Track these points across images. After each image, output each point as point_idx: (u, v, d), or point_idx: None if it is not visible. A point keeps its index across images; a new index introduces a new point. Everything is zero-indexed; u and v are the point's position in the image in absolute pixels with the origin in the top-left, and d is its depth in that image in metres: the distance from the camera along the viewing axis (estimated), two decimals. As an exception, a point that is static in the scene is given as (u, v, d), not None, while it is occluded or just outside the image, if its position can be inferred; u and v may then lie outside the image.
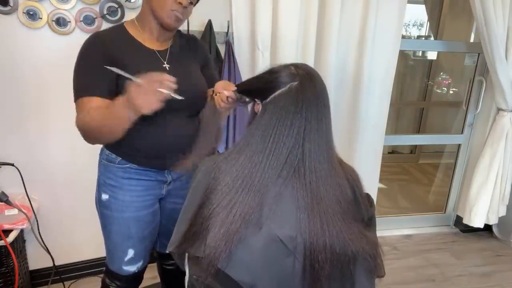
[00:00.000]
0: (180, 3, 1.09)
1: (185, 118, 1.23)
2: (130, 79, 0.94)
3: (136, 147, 1.18)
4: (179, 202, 1.23)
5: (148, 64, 1.15)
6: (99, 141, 1.15)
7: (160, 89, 0.92)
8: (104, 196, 1.25)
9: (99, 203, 1.28)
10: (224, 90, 1.04)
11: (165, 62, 1.19)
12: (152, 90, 0.92)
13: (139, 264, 1.34)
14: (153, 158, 1.22)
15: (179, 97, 0.97)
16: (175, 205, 1.35)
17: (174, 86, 0.95)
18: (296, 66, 0.84)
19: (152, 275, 2.03)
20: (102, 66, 1.06)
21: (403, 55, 4.20)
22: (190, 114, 1.24)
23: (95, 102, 1.08)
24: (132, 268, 1.32)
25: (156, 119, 1.08)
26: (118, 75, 0.99)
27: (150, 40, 1.18)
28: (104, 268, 1.41)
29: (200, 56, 1.33)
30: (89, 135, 1.09)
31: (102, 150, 1.28)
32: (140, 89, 0.92)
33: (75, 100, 1.11)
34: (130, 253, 1.29)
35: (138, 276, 1.39)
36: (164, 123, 1.16)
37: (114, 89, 1.10)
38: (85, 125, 1.06)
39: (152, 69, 1.10)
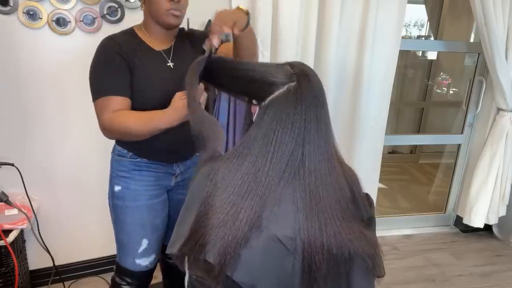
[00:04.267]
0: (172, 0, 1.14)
1: None
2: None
3: (147, 144, 1.21)
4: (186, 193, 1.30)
5: (154, 64, 1.21)
6: (125, 139, 1.23)
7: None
8: (117, 188, 1.30)
9: (112, 195, 1.32)
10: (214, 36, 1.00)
11: (169, 61, 1.24)
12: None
13: (152, 258, 1.37)
14: (164, 153, 1.29)
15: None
16: (183, 196, 1.38)
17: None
18: (292, 65, 0.83)
19: (152, 275, 2.03)
20: (121, 67, 1.14)
21: (406, 54, 4.20)
22: None
23: (117, 101, 1.14)
24: (144, 263, 1.35)
25: None
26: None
27: (156, 42, 1.24)
28: (113, 266, 1.42)
29: (200, 47, 1.36)
30: (119, 135, 1.19)
31: (114, 147, 1.34)
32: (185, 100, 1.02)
33: (95, 100, 1.16)
34: (144, 243, 1.32)
35: (149, 273, 1.41)
36: None
37: (130, 88, 1.17)
38: (117, 126, 1.13)
39: (158, 69, 1.19)
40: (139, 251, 1.32)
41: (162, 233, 1.40)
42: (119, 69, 1.15)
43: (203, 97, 1.03)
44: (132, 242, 1.32)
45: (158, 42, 1.23)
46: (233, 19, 1.01)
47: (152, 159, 1.29)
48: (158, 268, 1.75)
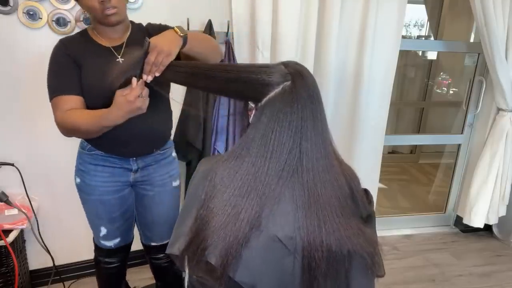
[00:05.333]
0: (102, 1, 1.14)
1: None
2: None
3: (101, 135, 1.22)
4: (149, 189, 1.44)
5: (102, 61, 1.22)
6: (78, 136, 1.29)
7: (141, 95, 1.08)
8: (77, 180, 1.39)
9: (76, 185, 1.41)
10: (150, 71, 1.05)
11: (119, 57, 1.24)
12: (135, 97, 1.06)
13: (116, 241, 1.47)
14: (116, 146, 1.31)
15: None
16: (146, 192, 1.44)
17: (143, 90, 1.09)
18: (285, 64, 0.84)
19: (151, 275, 2.03)
20: (68, 66, 1.19)
21: (406, 54, 4.20)
22: (151, 104, 1.22)
23: (69, 100, 1.19)
24: (109, 243, 1.47)
25: None
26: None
27: (106, 39, 1.26)
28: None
29: None
30: (71, 133, 1.22)
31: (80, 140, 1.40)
32: (127, 99, 1.06)
33: (51, 100, 1.21)
34: (103, 230, 1.44)
35: (118, 250, 1.51)
36: None
37: (80, 85, 1.22)
38: (68, 124, 1.18)
39: (107, 65, 1.17)
40: (100, 235, 1.45)
41: (124, 224, 1.47)
42: (67, 69, 1.20)
43: (144, 91, 1.07)
44: (93, 227, 1.46)
45: (107, 39, 1.26)
46: (167, 49, 1.04)
47: (107, 152, 1.32)
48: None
